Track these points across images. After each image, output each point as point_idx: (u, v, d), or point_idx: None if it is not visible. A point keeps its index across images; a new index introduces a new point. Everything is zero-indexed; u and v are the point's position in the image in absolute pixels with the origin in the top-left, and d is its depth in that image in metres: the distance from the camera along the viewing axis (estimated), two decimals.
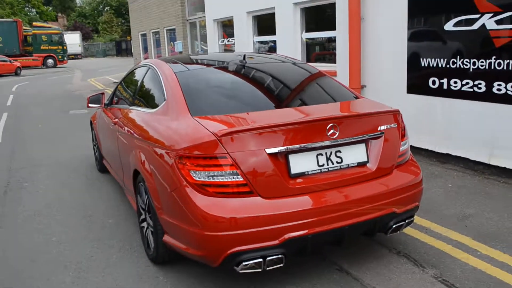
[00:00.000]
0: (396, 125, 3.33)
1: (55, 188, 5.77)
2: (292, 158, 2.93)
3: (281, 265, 2.92)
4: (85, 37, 61.51)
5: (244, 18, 10.44)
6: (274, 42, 9.56)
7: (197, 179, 2.84)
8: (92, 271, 3.58)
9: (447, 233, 3.93)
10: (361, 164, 3.15)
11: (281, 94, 3.76)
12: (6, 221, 4.72)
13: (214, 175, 2.81)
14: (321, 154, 3.02)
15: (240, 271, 2.86)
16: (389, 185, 3.18)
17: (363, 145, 3.17)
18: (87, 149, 7.63)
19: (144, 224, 3.71)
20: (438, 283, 3.20)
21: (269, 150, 2.85)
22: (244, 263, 2.82)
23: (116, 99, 5.17)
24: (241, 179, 2.81)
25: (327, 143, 2.99)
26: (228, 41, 12.07)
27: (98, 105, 5.40)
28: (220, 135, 2.82)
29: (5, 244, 4.16)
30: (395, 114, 3.37)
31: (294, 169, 2.93)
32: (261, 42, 10.44)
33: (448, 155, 5.81)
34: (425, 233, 3.97)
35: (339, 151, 3.08)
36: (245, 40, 10.53)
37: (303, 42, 8.67)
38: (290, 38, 8.77)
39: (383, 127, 3.23)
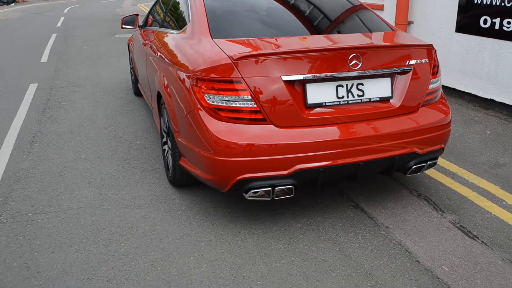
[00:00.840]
0: (428, 61, 3.11)
1: (91, 108, 5.91)
2: (310, 88, 2.81)
3: (291, 196, 2.90)
4: None
5: None
6: None
7: (211, 102, 2.79)
8: (113, 189, 3.70)
9: (475, 180, 3.76)
10: (384, 99, 2.99)
11: (312, 22, 3.57)
12: (41, 137, 4.91)
13: (227, 100, 2.75)
14: (341, 86, 2.88)
15: (249, 198, 2.86)
16: (413, 124, 3.02)
17: (388, 79, 3.00)
18: (126, 72, 7.72)
19: (166, 146, 3.75)
20: (455, 228, 3.10)
21: (285, 78, 2.74)
22: (253, 191, 2.81)
23: (150, 20, 5.11)
24: (255, 105, 2.74)
25: (348, 74, 2.84)
26: None
27: (132, 27, 5.37)
28: (235, 58, 2.72)
29: (38, 159, 4.35)
30: (428, 49, 3.14)
31: (311, 99, 2.82)
32: None
33: (491, 101, 5.47)
34: (451, 177, 3.81)
35: (361, 84, 2.92)
36: None
37: None
38: None
39: (412, 62, 3.02)
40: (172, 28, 3.93)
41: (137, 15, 5.43)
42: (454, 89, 5.94)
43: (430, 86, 3.14)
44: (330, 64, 2.81)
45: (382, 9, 6.99)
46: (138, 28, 5.42)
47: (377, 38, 3.36)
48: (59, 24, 15.42)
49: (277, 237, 3.01)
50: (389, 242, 2.95)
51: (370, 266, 2.72)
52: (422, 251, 2.86)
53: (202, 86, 2.82)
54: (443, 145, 3.24)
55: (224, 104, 2.76)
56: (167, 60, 3.48)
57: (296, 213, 3.29)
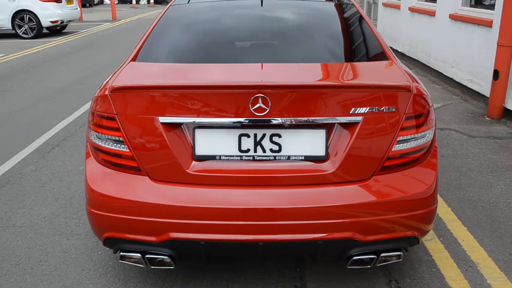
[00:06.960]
0: (395, 109, 2.16)
1: None
2: (200, 135, 2.15)
3: (172, 267, 2.28)
4: None
5: None
6: None
7: (92, 139, 2.33)
8: (70, 211, 3.48)
9: (496, 280, 2.63)
10: (312, 159, 2.16)
11: (269, 45, 2.84)
12: (69, 141, 4.94)
13: (103, 139, 2.26)
14: (247, 136, 2.15)
15: (120, 260, 2.33)
16: (354, 198, 2.14)
17: (321, 132, 2.15)
18: None
19: None
20: None
21: (163, 119, 2.14)
22: (121, 253, 2.28)
23: None
24: (127, 150, 2.19)
25: (250, 121, 2.10)
26: None
27: None
28: (110, 90, 2.21)
29: (42, 165, 4.34)
30: (399, 93, 2.18)
31: (200, 150, 2.16)
32: None
33: None
34: (464, 270, 2.73)
35: (278, 135, 2.15)
36: None
37: None
38: None
39: (361, 110, 2.12)
40: None
41: None
42: None
43: (397, 147, 2.19)
44: (228, 106, 2.11)
45: (491, 26, 5.58)
46: None
47: (323, 73, 2.47)
48: None
49: None
50: None
51: None
52: None
53: (91, 120, 2.36)
54: (416, 233, 2.25)
55: (101, 144, 2.27)
56: None
57: (217, 278, 2.63)
